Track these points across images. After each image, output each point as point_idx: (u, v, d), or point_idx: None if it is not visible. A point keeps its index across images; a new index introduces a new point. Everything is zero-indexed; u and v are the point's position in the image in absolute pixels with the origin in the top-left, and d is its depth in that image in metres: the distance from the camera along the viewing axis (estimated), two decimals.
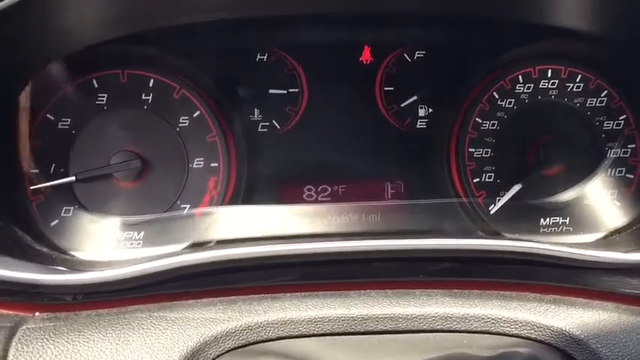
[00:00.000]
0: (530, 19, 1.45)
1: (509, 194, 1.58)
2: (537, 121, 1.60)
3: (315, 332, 1.08)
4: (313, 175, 1.61)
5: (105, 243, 1.50)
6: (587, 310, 1.12)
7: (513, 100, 1.60)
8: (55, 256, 1.38)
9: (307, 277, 1.21)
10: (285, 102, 1.62)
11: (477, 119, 1.60)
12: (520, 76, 1.60)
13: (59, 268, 1.26)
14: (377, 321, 1.09)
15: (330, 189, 1.61)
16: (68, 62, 1.47)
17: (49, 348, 1.04)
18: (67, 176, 1.49)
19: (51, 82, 1.49)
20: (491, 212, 1.59)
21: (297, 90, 1.62)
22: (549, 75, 1.60)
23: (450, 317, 1.10)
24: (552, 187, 1.60)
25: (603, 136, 1.61)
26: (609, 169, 1.60)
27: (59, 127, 1.50)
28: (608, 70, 1.60)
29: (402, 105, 1.64)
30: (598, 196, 1.60)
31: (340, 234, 1.57)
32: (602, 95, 1.61)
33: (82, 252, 1.47)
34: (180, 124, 1.54)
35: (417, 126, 1.64)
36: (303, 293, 1.14)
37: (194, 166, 1.54)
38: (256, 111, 1.61)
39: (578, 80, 1.61)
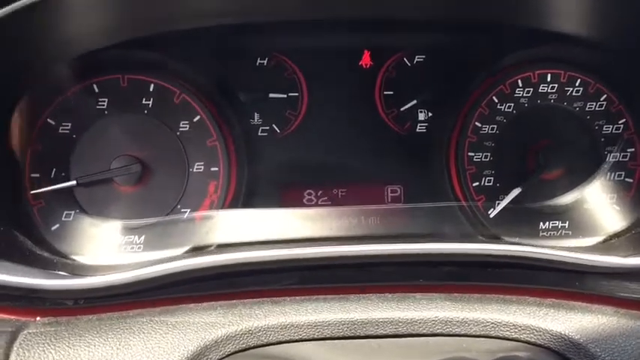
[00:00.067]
0: (529, 25, 1.46)
1: (508, 198, 1.58)
2: (537, 125, 1.60)
3: (316, 336, 1.08)
4: (313, 178, 1.61)
5: (106, 247, 1.50)
6: (587, 314, 1.13)
7: (513, 105, 1.60)
8: (56, 260, 1.39)
9: (307, 281, 1.21)
10: (285, 106, 1.62)
11: (476, 123, 1.60)
12: (519, 81, 1.60)
13: (60, 272, 1.27)
14: (377, 325, 1.09)
15: (330, 193, 1.61)
16: (69, 67, 1.47)
17: (51, 353, 1.04)
18: (68, 180, 1.49)
19: (52, 87, 1.49)
20: (491, 216, 1.59)
21: (297, 94, 1.62)
22: (549, 79, 1.60)
23: (450, 321, 1.10)
24: (552, 191, 1.60)
25: (602, 140, 1.60)
26: (608, 173, 1.60)
27: (60, 131, 1.50)
28: (607, 74, 1.60)
29: (402, 109, 1.64)
30: (597, 200, 1.60)
31: (340, 237, 1.57)
32: (602, 99, 1.61)
33: (83, 256, 1.48)
34: (181, 129, 1.54)
35: (417, 130, 1.64)
36: (303, 297, 1.15)
37: (194, 170, 1.54)
38: (256, 115, 1.61)
39: (577, 84, 1.60)
